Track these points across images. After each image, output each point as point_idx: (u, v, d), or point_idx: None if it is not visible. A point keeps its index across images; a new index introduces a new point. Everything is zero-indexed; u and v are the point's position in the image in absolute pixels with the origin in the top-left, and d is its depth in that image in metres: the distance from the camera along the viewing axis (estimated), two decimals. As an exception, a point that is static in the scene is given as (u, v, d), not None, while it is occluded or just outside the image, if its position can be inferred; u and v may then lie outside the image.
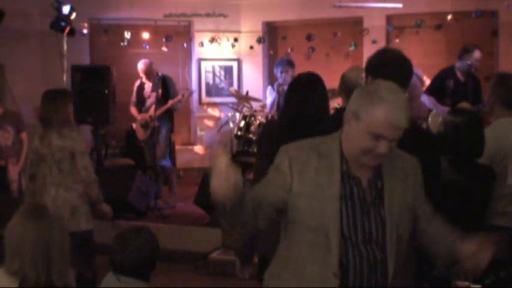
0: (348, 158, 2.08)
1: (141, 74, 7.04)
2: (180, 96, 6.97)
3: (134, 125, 7.18)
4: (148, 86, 7.00)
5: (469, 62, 5.97)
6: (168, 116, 7.07)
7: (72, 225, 3.97)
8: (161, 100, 6.88)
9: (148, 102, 6.97)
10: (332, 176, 2.07)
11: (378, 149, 1.98)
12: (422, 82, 6.27)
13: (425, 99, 6.24)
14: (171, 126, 7.18)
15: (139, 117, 6.99)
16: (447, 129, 3.01)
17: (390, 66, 2.53)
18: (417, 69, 5.58)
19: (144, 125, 6.96)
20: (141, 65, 7.03)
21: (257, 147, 3.23)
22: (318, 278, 2.04)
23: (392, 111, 1.94)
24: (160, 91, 6.87)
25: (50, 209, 3.84)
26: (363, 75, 2.73)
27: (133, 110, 7.11)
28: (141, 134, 7.05)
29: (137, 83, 7.13)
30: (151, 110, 6.84)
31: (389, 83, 2.05)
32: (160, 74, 7.05)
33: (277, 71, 7.01)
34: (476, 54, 6.01)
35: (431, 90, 6.25)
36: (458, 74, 6.09)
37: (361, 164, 2.06)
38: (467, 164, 2.97)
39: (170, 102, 6.88)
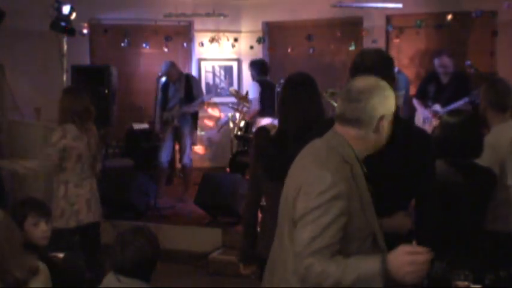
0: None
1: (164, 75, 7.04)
2: (197, 107, 7.09)
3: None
4: (172, 85, 7.01)
5: (438, 69, 6.27)
6: (191, 115, 7.07)
7: (99, 214, 4.49)
8: (184, 100, 6.88)
9: (172, 102, 6.98)
10: (362, 182, 2.08)
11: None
12: None
13: (414, 102, 6.49)
14: (195, 125, 7.19)
15: (161, 117, 7.00)
16: (443, 130, 3.03)
17: (369, 69, 2.55)
18: None
19: (166, 124, 6.97)
20: (161, 67, 7.02)
21: (253, 153, 3.22)
22: None
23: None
24: (183, 91, 6.89)
25: (88, 202, 4.28)
26: None
27: (156, 110, 7.06)
28: (161, 132, 7.07)
29: (162, 81, 7.09)
30: (174, 110, 6.87)
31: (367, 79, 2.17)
32: (184, 73, 7.07)
33: None
34: (442, 59, 6.24)
35: (417, 94, 6.55)
36: (441, 76, 6.24)
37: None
38: (468, 165, 2.97)
39: (188, 109, 6.92)
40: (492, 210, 3.10)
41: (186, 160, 7.04)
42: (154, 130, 7.20)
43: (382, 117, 2.07)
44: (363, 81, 2.12)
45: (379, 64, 2.55)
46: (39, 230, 3.01)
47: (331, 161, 2.04)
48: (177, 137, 7.01)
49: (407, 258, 1.90)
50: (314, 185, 2.00)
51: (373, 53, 2.66)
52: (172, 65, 7.04)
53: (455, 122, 3.00)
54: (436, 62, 6.31)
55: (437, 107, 6.21)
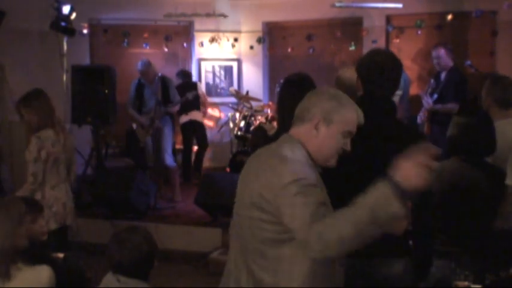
0: (317, 163, 2.16)
1: (140, 74, 7.02)
2: (177, 108, 7.14)
3: (134, 126, 7.16)
4: (148, 86, 6.94)
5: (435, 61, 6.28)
6: (170, 115, 7.09)
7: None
8: (161, 102, 6.86)
9: (150, 104, 6.92)
10: (322, 184, 2.15)
11: (346, 146, 2.14)
12: None
13: None
14: (173, 125, 7.19)
15: (141, 119, 6.94)
16: (459, 130, 3.07)
17: (379, 68, 2.54)
18: None
19: (146, 127, 6.93)
20: (138, 65, 6.96)
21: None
22: None
23: (359, 110, 2.18)
24: (160, 93, 6.88)
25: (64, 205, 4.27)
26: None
27: (132, 111, 7.02)
28: (141, 136, 7.01)
29: (135, 81, 7.06)
30: (152, 112, 6.84)
31: (333, 88, 2.29)
32: (160, 74, 7.04)
33: None
34: (437, 50, 6.26)
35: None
36: (442, 73, 6.25)
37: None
38: (480, 163, 3.02)
39: (170, 109, 6.91)
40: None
41: (168, 161, 6.95)
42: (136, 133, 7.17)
43: (326, 118, 2.13)
44: None
45: (389, 65, 2.56)
46: (38, 226, 3.05)
47: (293, 160, 2.16)
48: (157, 138, 6.94)
49: (409, 163, 1.79)
50: None
51: (384, 54, 2.67)
52: (150, 64, 6.92)
53: (469, 122, 3.04)
54: (433, 53, 6.32)
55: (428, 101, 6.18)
